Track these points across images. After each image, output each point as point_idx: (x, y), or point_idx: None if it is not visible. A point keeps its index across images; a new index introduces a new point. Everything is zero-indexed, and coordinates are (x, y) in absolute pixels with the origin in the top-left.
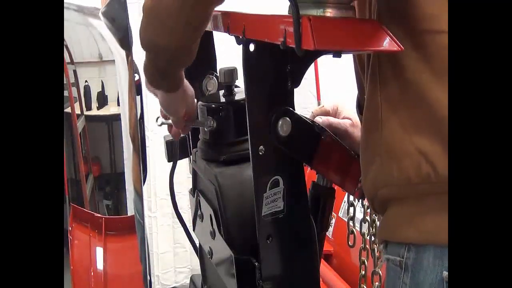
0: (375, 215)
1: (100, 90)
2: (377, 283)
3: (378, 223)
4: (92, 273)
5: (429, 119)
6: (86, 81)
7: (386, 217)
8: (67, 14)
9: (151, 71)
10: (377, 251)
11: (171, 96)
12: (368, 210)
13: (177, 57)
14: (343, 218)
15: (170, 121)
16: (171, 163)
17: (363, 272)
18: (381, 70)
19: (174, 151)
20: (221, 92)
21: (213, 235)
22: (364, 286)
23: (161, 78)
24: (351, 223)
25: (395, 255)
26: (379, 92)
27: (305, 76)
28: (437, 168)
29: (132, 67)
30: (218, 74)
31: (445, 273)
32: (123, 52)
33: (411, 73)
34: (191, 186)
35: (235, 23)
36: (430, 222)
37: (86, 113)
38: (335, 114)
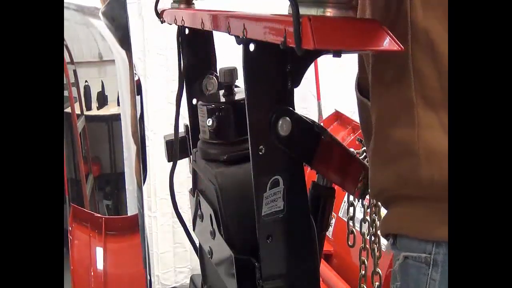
0: (375, 214)
1: (100, 90)
2: (377, 283)
3: (378, 223)
4: (92, 273)
5: None
6: (86, 81)
7: (408, 213)
8: (67, 14)
9: None
10: (377, 251)
11: None
12: (368, 210)
13: None
14: (343, 218)
15: None
16: (171, 163)
17: (363, 272)
18: (417, 65)
19: (174, 151)
20: (221, 92)
21: (213, 235)
22: (364, 286)
23: None
24: (351, 223)
25: (419, 251)
26: (413, 87)
27: (305, 76)
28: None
29: (132, 67)
30: (218, 74)
31: None
32: (123, 52)
33: None
34: (191, 186)
35: (235, 23)
36: None
37: (86, 113)
38: None
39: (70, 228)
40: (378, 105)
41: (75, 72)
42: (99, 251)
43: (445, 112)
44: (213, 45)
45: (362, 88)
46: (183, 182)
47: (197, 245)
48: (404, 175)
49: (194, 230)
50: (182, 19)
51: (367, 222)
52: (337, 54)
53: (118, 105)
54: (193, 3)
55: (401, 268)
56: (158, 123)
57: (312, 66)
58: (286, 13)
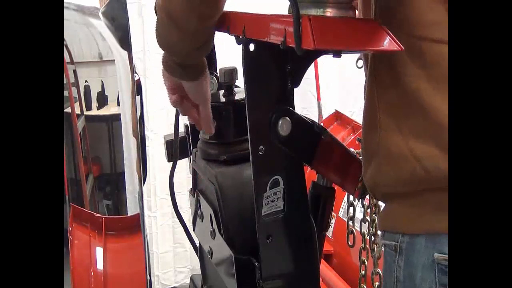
0: (375, 214)
1: (100, 90)
2: (377, 283)
3: (378, 222)
4: (92, 273)
5: (426, 125)
6: (86, 81)
7: (385, 209)
8: (67, 14)
9: (169, 63)
10: (377, 251)
11: (197, 82)
12: (368, 210)
13: (194, 51)
14: (343, 218)
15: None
16: (171, 163)
17: (363, 272)
18: (378, 73)
19: (174, 151)
20: (221, 92)
21: (213, 235)
22: (364, 286)
23: (181, 69)
24: (351, 223)
25: (391, 240)
26: (376, 94)
27: (305, 76)
28: (430, 173)
29: (132, 67)
30: (218, 74)
31: (436, 255)
32: (123, 52)
33: (408, 79)
34: (191, 186)
35: (235, 23)
36: (426, 215)
37: (86, 113)
38: None
39: (70, 228)
40: (363, 112)
41: (75, 72)
42: (99, 251)
43: (401, 116)
44: (213, 45)
45: None
46: (183, 182)
47: (197, 245)
48: (374, 174)
49: (194, 230)
50: None
51: (367, 222)
52: (337, 54)
53: (118, 105)
54: None
55: (383, 256)
56: (158, 123)
57: (312, 66)
58: (286, 13)
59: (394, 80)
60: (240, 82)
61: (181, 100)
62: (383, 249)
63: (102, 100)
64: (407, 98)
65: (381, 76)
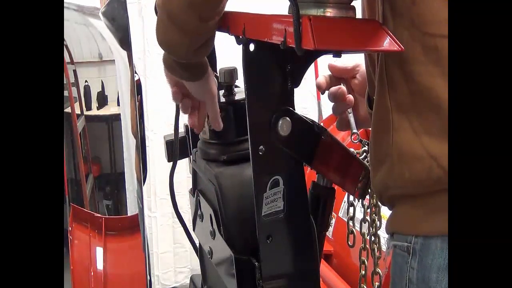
0: (375, 214)
1: (100, 90)
2: (377, 283)
3: (378, 223)
4: (92, 273)
5: (441, 123)
6: (86, 81)
7: (397, 212)
8: (67, 14)
9: (170, 62)
10: (377, 251)
11: (200, 82)
12: (368, 210)
13: (193, 52)
14: (343, 218)
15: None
16: (171, 163)
17: (363, 272)
18: (389, 73)
19: (174, 151)
20: (221, 92)
21: (213, 235)
22: (364, 286)
23: (182, 69)
24: (351, 223)
25: (403, 241)
26: (388, 95)
27: (305, 76)
28: (448, 171)
29: (132, 67)
30: (218, 74)
31: None
32: (123, 52)
33: (421, 77)
34: (191, 186)
35: (235, 23)
36: (441, 216)
37: (86, 113)
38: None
39: (70, 228)
40: (373, 114)
41: (75, 72)
42: (99, 251)
43: (414, 115)
44: (213, 45)
45: (371, 102)
46: (183, 182)
47: (197, 245)
48: (386, 176)
49: (194, 230)
50: None
51: (367, 222)
52: (337, 54)
53: (118, 105)
54: None
55: (392, 256)
56: (158, 123)
57: (312, 66)
58: (286, 13)
59: (407, 78)
60: (240, 82)
61: (182, 96)
62: (391, 250)
63: (102, 100)
64: (421, 96)
65: (393, 75)
